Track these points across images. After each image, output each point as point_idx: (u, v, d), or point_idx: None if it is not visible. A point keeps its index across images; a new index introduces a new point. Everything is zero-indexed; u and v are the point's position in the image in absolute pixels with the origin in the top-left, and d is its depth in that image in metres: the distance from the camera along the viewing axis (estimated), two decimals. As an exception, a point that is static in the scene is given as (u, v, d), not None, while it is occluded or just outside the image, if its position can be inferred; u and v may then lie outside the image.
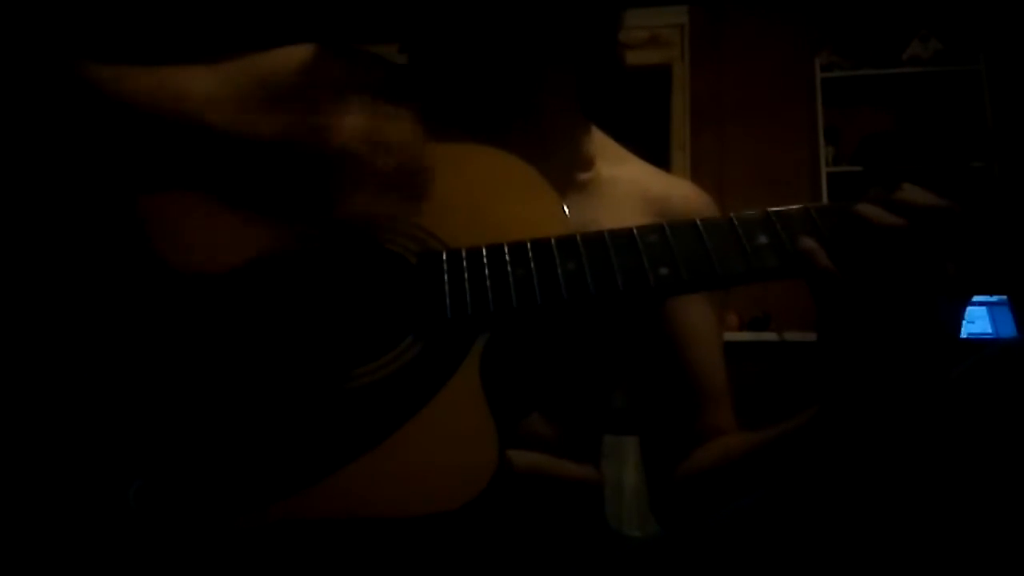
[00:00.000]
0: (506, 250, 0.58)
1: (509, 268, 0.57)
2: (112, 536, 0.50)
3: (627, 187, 0.78)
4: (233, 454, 0.53)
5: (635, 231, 0.57)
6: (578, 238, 0.58)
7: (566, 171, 0.76)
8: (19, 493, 0.52)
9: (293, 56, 0.77)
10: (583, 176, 0.77)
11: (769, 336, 2.85)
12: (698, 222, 0.57)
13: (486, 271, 0.57)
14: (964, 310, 0.52)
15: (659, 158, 3.28)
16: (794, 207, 0.57)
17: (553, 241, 0.58)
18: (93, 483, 0.52)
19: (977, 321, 2.78)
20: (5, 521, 0.51)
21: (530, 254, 0.57)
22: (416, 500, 0.50)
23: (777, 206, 0.57)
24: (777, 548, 0.52)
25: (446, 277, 0.58)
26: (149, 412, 0.55)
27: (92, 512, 0.51)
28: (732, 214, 0.57)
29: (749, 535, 0.54)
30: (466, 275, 0.58)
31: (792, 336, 2.77)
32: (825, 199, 2.96)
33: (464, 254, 0.59)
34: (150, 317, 0.59)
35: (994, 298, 2.80)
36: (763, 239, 0.55)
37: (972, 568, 0.46)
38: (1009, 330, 2.72)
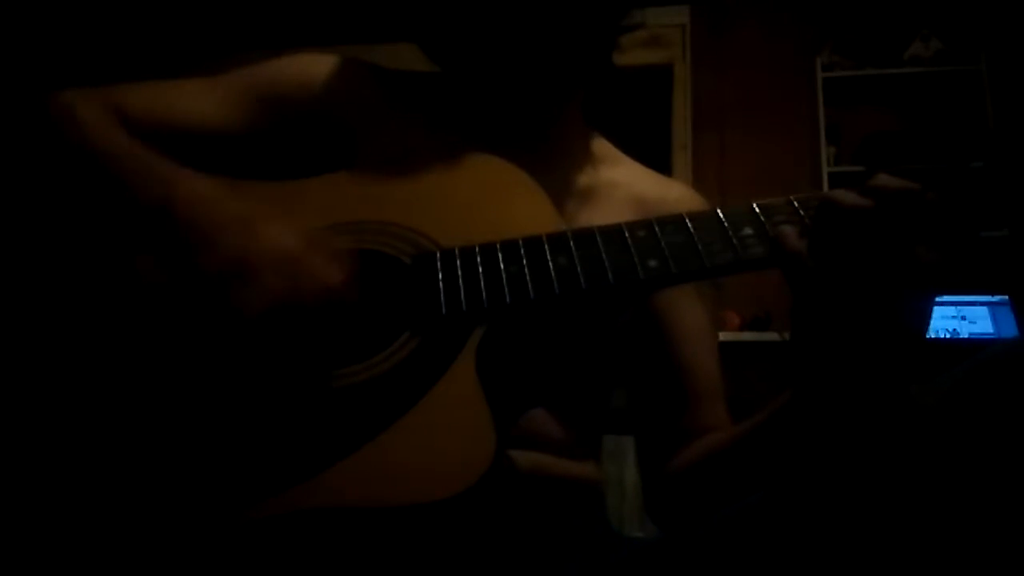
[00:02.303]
0: (499, 248, 0.59)
1: (502, 265, 0.58)
2: (112, 536, 0.51)
3: (624, 191, 0.79)
4: (235, 451, 0.54)
5: (624, 227, 0.58)
6: (569, 234, 0.59)
7: (566, 177, 0.77)
8: (18, 496, 0.53)
9: (297, 67, 0.78)
10: (584, 181, 0.78)
11: (770, 336, 2.85)
12: (685, 216, 0.58)
13: (479, 269, 0.58)
14: (931, 303, 0.52)
15: (660, 158, 3.28)
16: (778, 198, 0.58)
17: (544, 238, 0.59)
18: (91, 485, 0.53)
19: (979, 321, 2.78)
20: (7, 523, 0.52)
21: (522, 251, 0.59)
22: (414, 489, 0.50)
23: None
24: (776, 548, 0.53)
25: (440, 276, 0.59)
26: (150, 412, 0.56)
27: (92, 513, 0.52)
28: (718, 207, 0.58)
29: (748, 535, 0.54)
30: (460, 273, 0.59)
31: (793, 336, 2.76)
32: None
33: (457, 253, 0.60)
34: (150, 318, 0.60)
35: (996, 298, 2.80)
36: (748, 230, 0.56)
37: (975, 569, 0.46)
38: (1011, 330, 2.72)
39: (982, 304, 2.79)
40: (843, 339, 0.53)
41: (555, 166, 0.75)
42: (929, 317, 0.53)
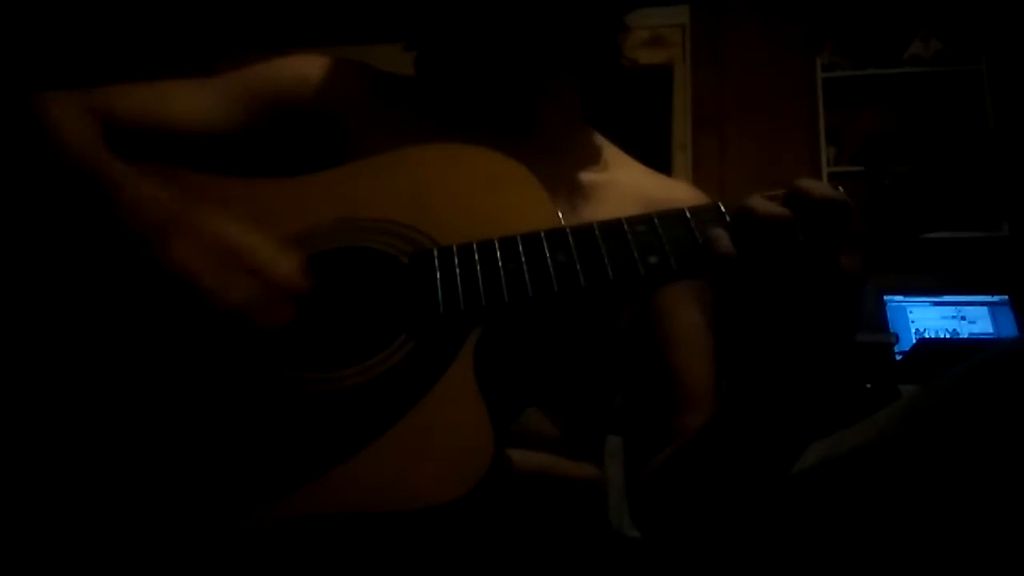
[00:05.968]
0: (496, 245, 0.58)
1: (500, 263, 0.58)
2: (113, 537, 0.51)
3: (627, 190, 0.79)
4: (233, 455, 0.53)
5: (624, 222, 0.58)
6: (568, 230, 0.58)
7: (567, 175, 0.77)
8: (18, 496, 0.53)
9: (293, 67, 0.79)
10: (584, 180, 0.78)
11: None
12: (686, 211, 0.57)
13: (477, 267, 0.58)
14: (856, 307, 0.52)
15: (660, 158, 3.28)
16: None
17: (543, 234, 0.58)
18: (91, 487, 0.53)
19: (979, 321, 2.77)
20: (7, 522, 0.51)
21: (520, 248, 0.58)
22: (414, 493, 0.50)
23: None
24: (774, 548, 0.52)
25: (438, 274, 0.58)
26: (153, 413, 0.56)
27: (91, 513, 0.52)
28: (719, 200, 0.57)
29: (747, 535, 0.54)
30: (457, 271, 0.58)
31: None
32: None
33: (455, 250, 0.59)
34: (150, 321, 0.60)
35: (996, 298, 2.79)
36: None
37: (976, 569, 0.46)
38: (1011, 330, 2.72)
39: (982, 304, 2.79)
40: (768, 341, 0.54)
41: (553, 161, 0.75)
42: (854, 319, 0.53)
